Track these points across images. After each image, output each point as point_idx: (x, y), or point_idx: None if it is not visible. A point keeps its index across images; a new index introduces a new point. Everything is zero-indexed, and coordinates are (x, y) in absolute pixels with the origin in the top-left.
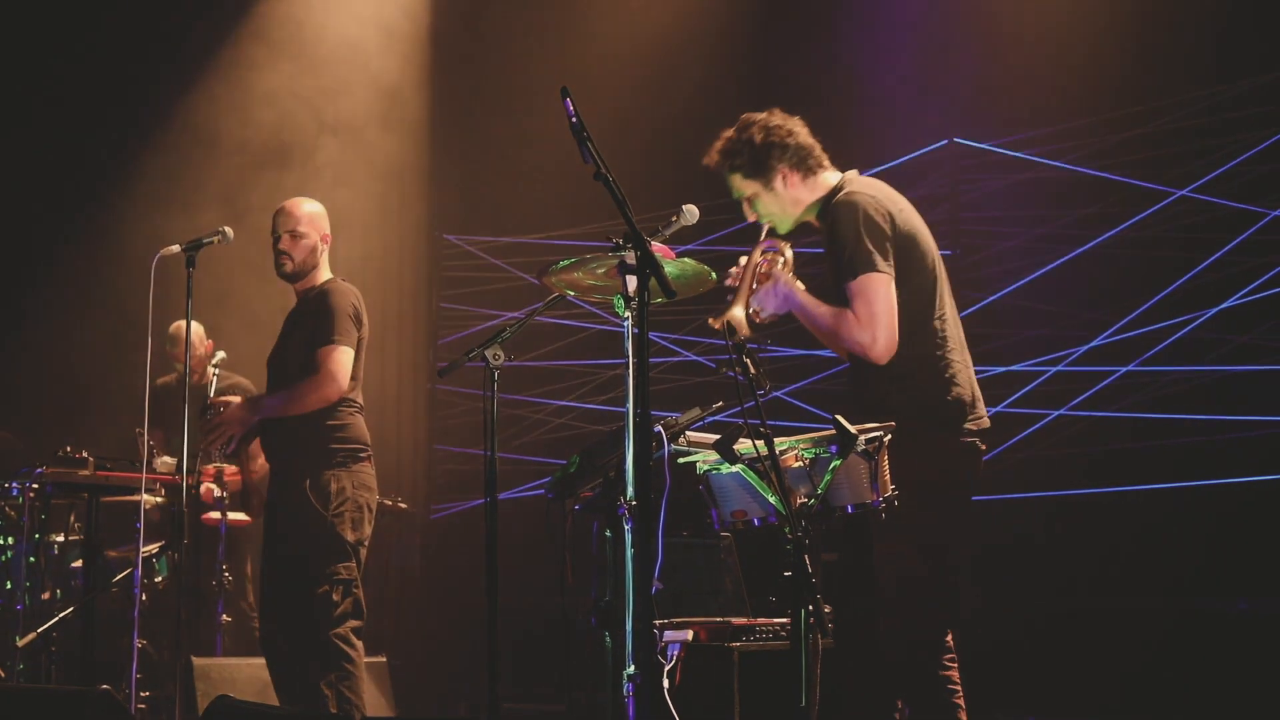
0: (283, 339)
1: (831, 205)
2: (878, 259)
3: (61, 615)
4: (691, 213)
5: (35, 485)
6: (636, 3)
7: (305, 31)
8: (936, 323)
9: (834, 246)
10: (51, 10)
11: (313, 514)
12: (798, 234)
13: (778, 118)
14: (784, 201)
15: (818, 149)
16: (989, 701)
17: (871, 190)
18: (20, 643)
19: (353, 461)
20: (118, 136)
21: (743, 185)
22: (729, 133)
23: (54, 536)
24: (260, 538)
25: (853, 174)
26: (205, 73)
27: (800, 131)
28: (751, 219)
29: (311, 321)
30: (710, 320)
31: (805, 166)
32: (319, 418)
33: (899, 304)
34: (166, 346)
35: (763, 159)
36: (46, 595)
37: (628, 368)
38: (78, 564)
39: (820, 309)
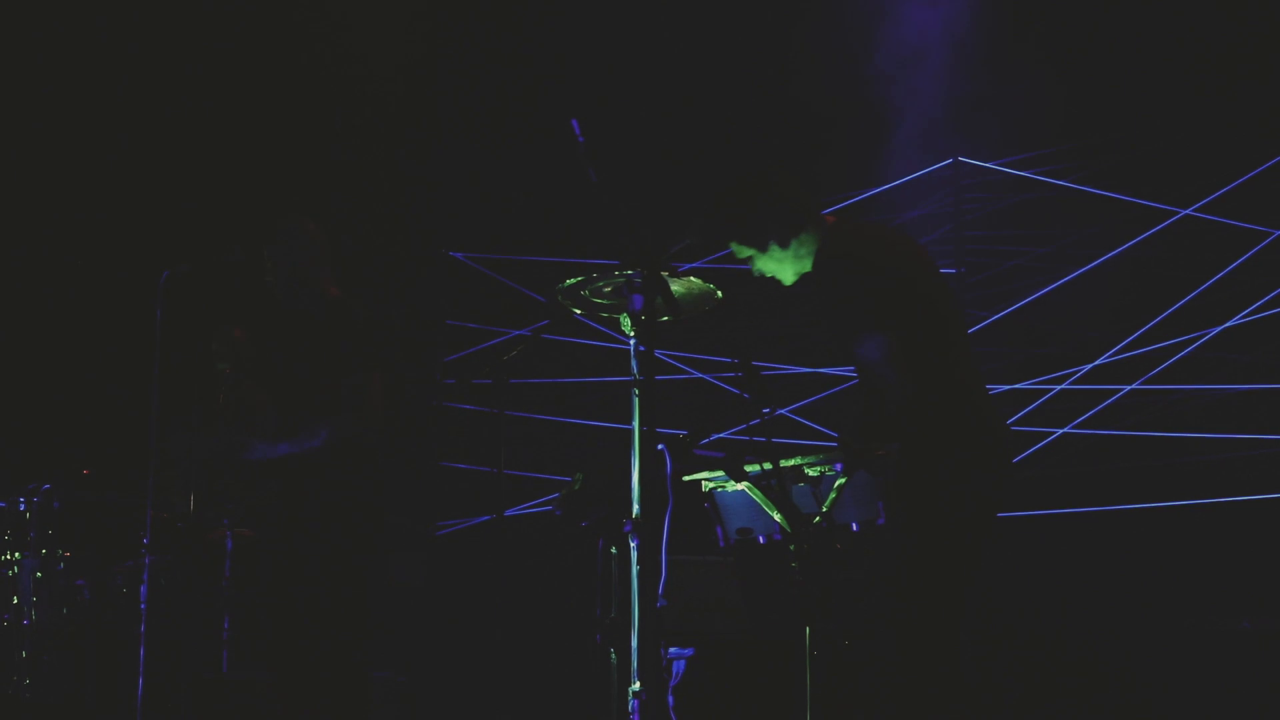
0: (294, 354)
1: (820, 265)
2: (874, 318)
3: (68, 630)
4: (698, 232)
5: (41, 500)
6: (643, 21)
7: (313, 44)
8: (954, 360)
9: (830, 306)
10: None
11: (324, 535)
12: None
13: (766, 179)
14: (782, 260)
15: (806, 201)
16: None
17: (856, 243)
18: (26, 657)
19: (367, 483)
20: (115, 152)
21: (739, 249)
22: (719, 198)
23: (62, 551)
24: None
25: (840, 222)
26: (207, 82)
27: (788, 188)
28: (757, 275)
29: (332, 343)
30: None
31: (797, 224)
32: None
33: (916, 349)
34: (213, 345)
35: (755, 226)
36: (53, 610)
37: (634, 385)
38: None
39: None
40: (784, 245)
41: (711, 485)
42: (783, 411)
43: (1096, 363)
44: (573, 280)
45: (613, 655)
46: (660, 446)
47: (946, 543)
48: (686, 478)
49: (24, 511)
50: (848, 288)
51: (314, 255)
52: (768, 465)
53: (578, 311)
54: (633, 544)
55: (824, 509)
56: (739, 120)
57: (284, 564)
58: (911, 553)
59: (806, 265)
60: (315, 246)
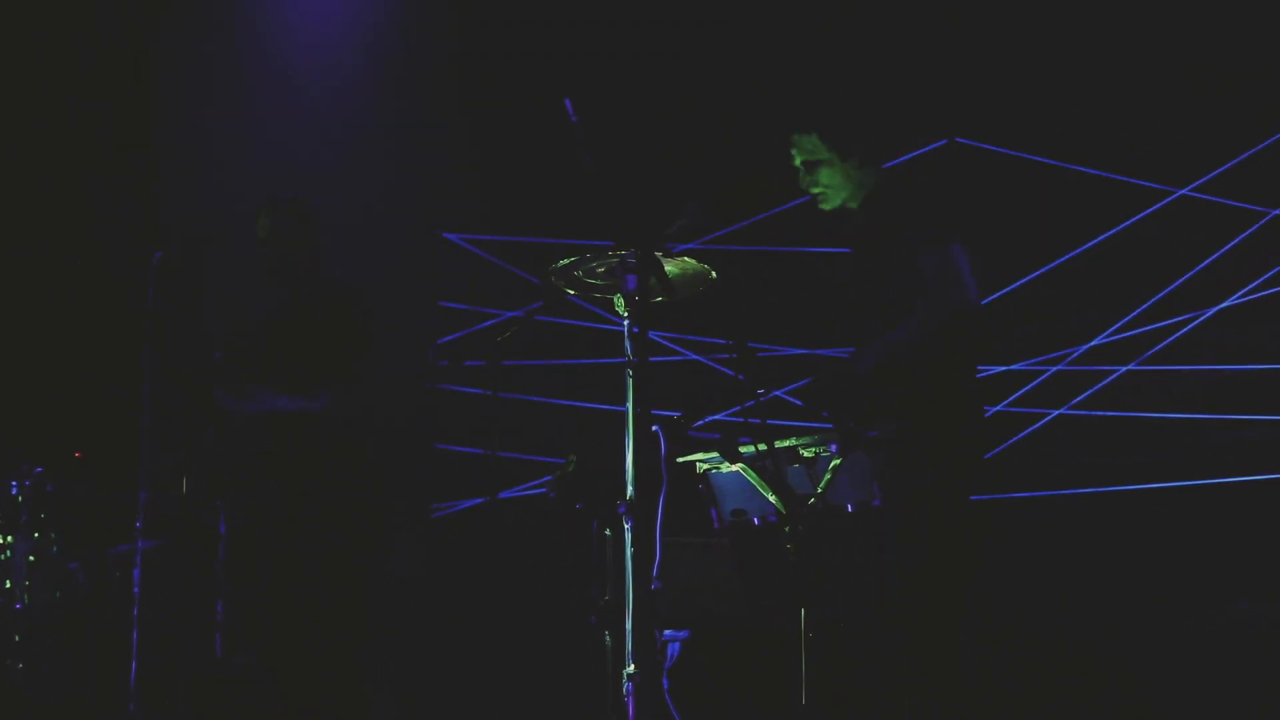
0: (295, 354)
1: (893, 182)
2: (949, 231)
3: (63, 615)
4: (693, 212)
5: (34, 483)
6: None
7: (304, 22)
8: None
9: (905, 214)
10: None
11: (324, 535)
12: None
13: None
14: (850, 178)
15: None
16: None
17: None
18: (19, 641)
19: (367, 483)
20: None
21: (817, 149)
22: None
23: (55, 535)
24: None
25: None
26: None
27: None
28: (805, 186)
29: (333, 344)
30: None
31: (881, 158)
32: (340, 424)
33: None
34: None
35: (863, 137)
36: (47, 594)
37: (628, 366)
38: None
39: (894, 335)
40: (858, 167)
41: (706, 467)
42: (778, 393)
43: (1092, 344)
44: (566, 260)
45: (607, 638)
46: (655, 428)
47: (947, 539)
48: (681, 459)
49: (16, 495)
50: (928, 197)
51: (311, 240)
52: (763, 446)
53: (571, 292)
54: (627, 526)
55: (819, 490)
56: (729, 97)
57: (283, 564)
58: (911, 548)
59: (854, 200)
60: (312, 230)
